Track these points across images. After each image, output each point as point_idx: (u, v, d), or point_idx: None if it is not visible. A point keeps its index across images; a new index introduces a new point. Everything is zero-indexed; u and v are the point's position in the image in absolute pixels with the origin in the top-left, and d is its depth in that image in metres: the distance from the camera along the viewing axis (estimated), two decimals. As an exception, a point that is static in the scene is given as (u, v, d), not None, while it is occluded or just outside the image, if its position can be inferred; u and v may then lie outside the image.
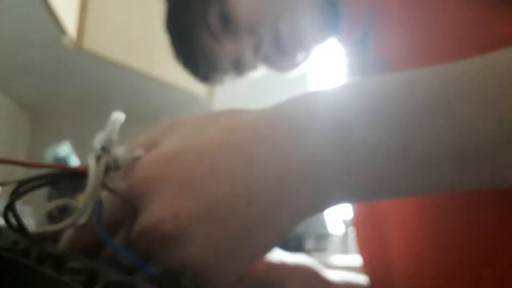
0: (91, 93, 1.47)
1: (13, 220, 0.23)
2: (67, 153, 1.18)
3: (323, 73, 2.09)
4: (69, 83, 1.36)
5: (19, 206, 0.32)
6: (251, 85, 2.02)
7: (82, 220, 0.23)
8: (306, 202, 0.24)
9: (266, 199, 0.23)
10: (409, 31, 0.38)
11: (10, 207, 0.23)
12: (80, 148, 1.27)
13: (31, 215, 1.02)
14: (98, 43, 1.11)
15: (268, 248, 0.25)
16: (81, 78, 1.32)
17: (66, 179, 0.23)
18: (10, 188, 0.24)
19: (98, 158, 0.23)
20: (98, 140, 0.23)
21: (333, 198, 0.24)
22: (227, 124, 0.25)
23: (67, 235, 0.26)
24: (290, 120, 0.24)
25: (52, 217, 0.34)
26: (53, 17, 0.93)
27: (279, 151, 0.23)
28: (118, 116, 0.24)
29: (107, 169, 0.23)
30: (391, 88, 0.24)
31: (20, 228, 0.23)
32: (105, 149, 0.23)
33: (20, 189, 0.23)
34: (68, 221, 0.23)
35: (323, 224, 1.23)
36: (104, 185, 0.23)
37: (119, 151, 0.24)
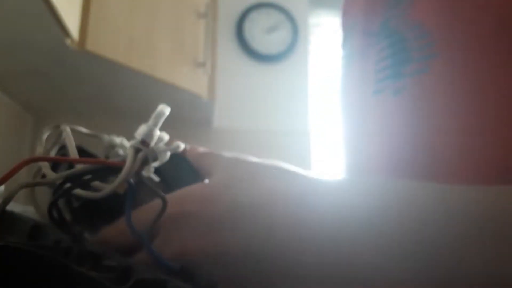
0: (93, 94, 1.48)
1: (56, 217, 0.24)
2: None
3: (324, 67, 2.10)
4: (72, 84, 1.36)
5: (22, 206, 0.32)
6: (252, 87, 2.03)
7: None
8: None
9: (272, 267, 0.25)
10: (451, 4, 0.35)
11: (54, 204, 0.23)
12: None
13: (34, 216, 1.03)
14: (100, 45, 1.12)
15: None
16: (84, 79, 1.32)
17: (107, 174, 0.23)
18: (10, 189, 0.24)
19: (137, 151, 0.23)
20: (139, 133, 0.23)
21: None
22: (263, 187, 0.27)
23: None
24: (315, 208, 0.25)
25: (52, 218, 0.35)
26: (56, 19, 0.94)
27: (300, 232, 0.25)
28: (162, 110, 0.24)
29: (145, 162, 0.23)
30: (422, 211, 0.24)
31: (64, 225, 0.24)
32: (144, 142, 0.23)
33: (65, 186, 0.23)
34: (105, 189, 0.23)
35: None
36: (138, 176, 0.23)
37: (158, 145, 0.24)
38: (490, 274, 0.22)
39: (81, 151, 0.31)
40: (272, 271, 0.25)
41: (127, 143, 0.31)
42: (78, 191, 0.23)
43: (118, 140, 0.33)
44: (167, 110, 0.24)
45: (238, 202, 0.26)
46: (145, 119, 0.25)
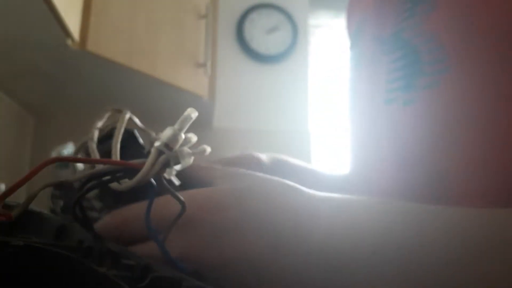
0: (94, 95, 1.48)
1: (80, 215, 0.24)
2: (71, 154, 1.19)
3: (325, 68, 2.10)
4: (73, 84, 1.37)
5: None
6: (252, 87, 2.03)
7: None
8: None
9: (276, 286, 0.25)
10: (466, 16, 0.34)
11: (78, 203, 0.23)
12: (84, 149, 1.28)
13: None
14: (101, 45, 1.12)
15: None
16: (84, 80, 1.33)
17: (128, 175, 0.23)
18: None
19: (160, 153, 0.23)
20: (164, 136, 0.23)
21: None
22: (272, 202, 0.26)
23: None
24: (326, 226, 0.25)
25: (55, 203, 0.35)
26: (57, 20, 0.94)
27: (308, 250, 0.24)
28: (190, 114, 0.23)
29: (166, 165, 0.23)
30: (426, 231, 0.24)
31: (86, 224, 0.24)
32: (168, 145, 0.23)
33: (89, 185, 0.23)
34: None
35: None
36: (159, 179, 0.24)
37: (183, 148, 0.24)
38: None
39: (131, 137, 0.32)
40: (274, 286, 0.25)
41: None
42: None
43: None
44: (194, 115, 0.24)
45: (247, 213, 0.26)
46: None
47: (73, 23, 1.01)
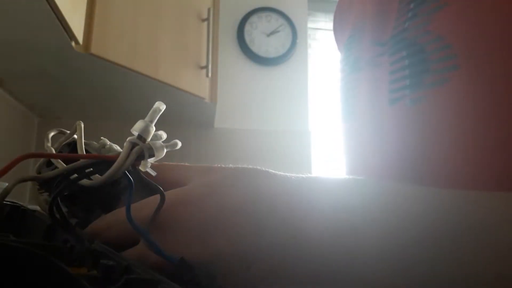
0: (98, 96, 1.49)
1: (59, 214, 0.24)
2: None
3: (325, 72, 2.12)
4: (77, 86, 1.38)
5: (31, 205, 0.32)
6: (252, 89, 2.05)
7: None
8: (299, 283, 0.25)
9: (263, 269, 0.24)
10: (479, 19, 0.33)
11: (55, 201, 0.23)
12: (87, 149, 1.29)
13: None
14: (104, 48, 1.14)
15: None
16: (88, 82, 1.34)
17: (104, 168, 0.24)
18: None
19: (134, 145, 0.23)
20: (136, 128, 0.23)
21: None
22: (248, 189, 0.27)
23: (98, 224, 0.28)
24: (305, 204, 0.25)
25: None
26: (61, 23, 0.96)
27: (288, 230, 0.25)
28: (158, 106, 0.24)
29: (141, 156, 0.23)
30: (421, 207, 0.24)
31: (64, 223, 0.24)
32: (141, 137, 0.23)
33: (65, 182, 0.23)
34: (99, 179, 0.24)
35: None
36: (136, 170, 0.24)
37: (155, 141, 0.24)
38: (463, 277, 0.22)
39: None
40: (263, 274, 0.25)
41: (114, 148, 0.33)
42: (73, 179, 0.24)
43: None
44: (163, 107, 0.24)
45: (222, 206, 0.26)
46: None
47: (77, 26, 1.03)
